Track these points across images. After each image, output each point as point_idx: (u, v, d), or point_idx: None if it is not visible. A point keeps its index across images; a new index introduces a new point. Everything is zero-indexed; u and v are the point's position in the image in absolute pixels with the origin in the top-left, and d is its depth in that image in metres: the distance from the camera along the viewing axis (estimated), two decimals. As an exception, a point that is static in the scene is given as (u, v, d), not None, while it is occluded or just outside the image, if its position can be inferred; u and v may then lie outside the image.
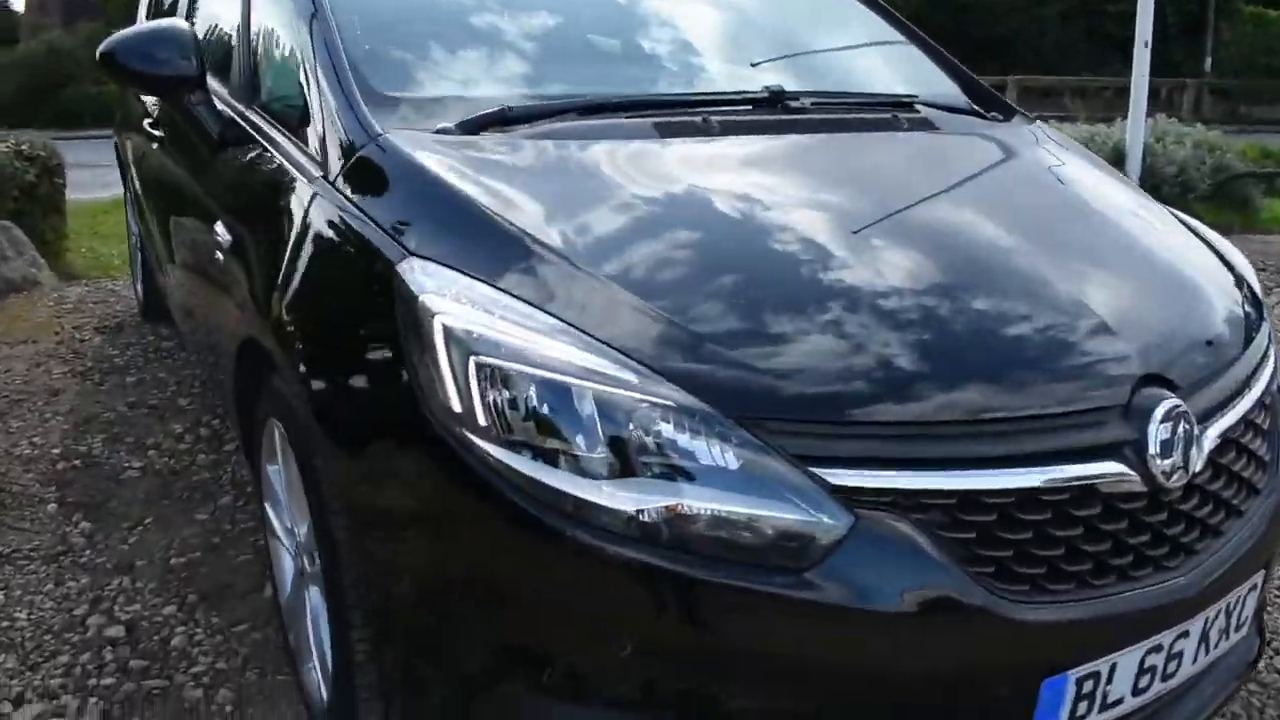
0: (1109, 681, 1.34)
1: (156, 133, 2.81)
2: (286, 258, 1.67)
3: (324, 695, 1.73)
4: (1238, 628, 1.52)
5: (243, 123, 2.09)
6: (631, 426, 1.22)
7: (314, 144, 1.73)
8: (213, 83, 2.20)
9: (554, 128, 1.69)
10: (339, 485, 1.48)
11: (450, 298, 1.31)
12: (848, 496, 1.22)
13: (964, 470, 1.27)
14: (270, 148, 1.92)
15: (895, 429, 1.27)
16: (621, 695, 1.26)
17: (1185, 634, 1.40)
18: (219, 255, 2.01)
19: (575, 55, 2.08)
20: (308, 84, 1.79)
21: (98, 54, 2.14)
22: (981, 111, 2.30)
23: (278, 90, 2.04)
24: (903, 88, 2.27)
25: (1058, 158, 2.10)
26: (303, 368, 1.55)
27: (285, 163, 1.82)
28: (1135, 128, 6.88)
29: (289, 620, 1.98)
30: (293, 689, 1.99)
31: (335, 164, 1.64)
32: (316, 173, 1.68)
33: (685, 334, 1.29)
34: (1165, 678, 1.40)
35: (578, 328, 1.27)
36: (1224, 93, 20.43)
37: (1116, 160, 6.45)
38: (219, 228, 2.00)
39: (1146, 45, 8.40)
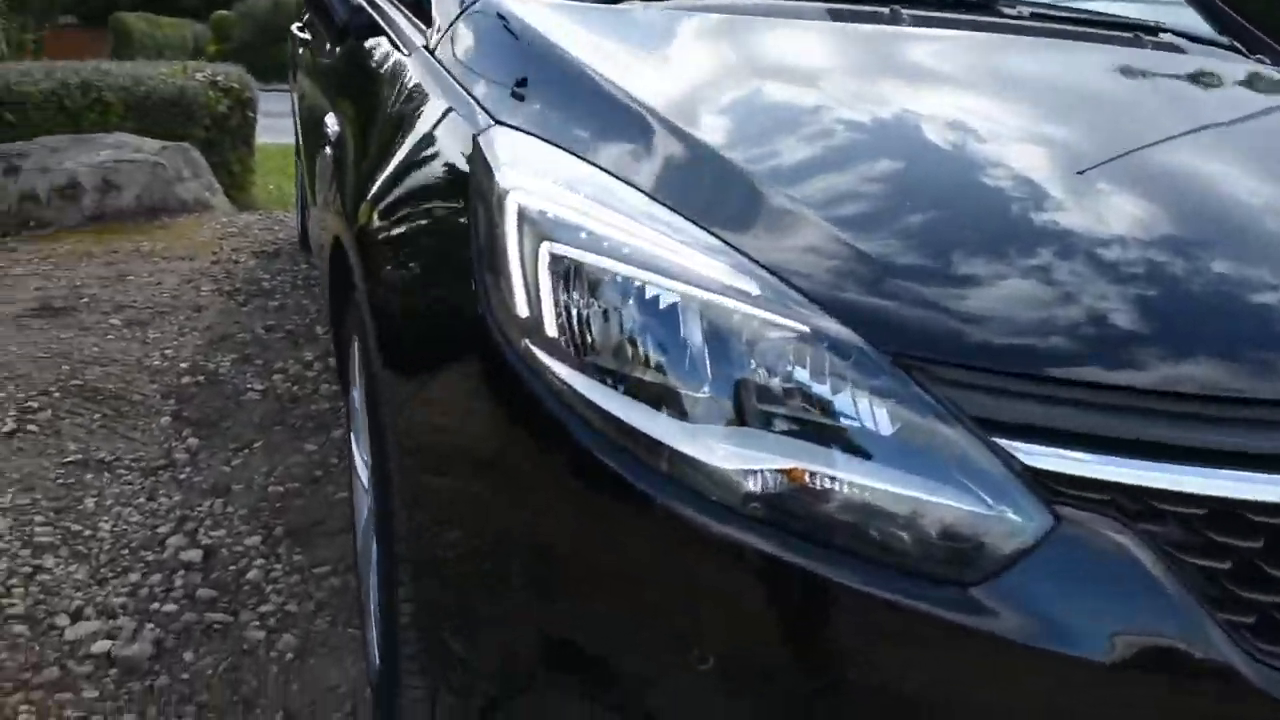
0: None
1: (305, 59, 2.66)
2: (372, 145, 1.42)
3: (376, 659, 1.48)
4: None
5: (369, 8, 1.86)
6: (752, 358, 0.88)
7: (423, 12, 1.47)
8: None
9: (705, 2, 1.36)
10: (394, 414, 1.21)
11: (531, 172, 1.00)
12: (1047, 485, 0.84)
13: (1222, 469, 0.86)
14: (389, 29, 1.67)
15: (1124, 396, 0.87)
16: None
17: None
18: (327, 151, 1.79)
19: None
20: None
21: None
22: (1243, 49, 1.83)
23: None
24: (1141, 13, 1.83)
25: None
26: (369, 269, 1.29)
27: (396, 39, 1.56)
28: None
29: (363, 567, 1.75)
30: (351, 651, 1.77)
31: (437, 32, 1.37)
32: (419, 42, 1.42)
33: (835, 244, 0.93)
34: None
35: (692, 219, 0.94)
36: None
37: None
38: (328, 120, 1.78)
39: None
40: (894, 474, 0.85)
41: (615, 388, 0.90)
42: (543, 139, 1.04)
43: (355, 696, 1.65)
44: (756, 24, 1.32)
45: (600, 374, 0.90)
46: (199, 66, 6.55)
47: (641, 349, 0.90)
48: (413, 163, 1.25)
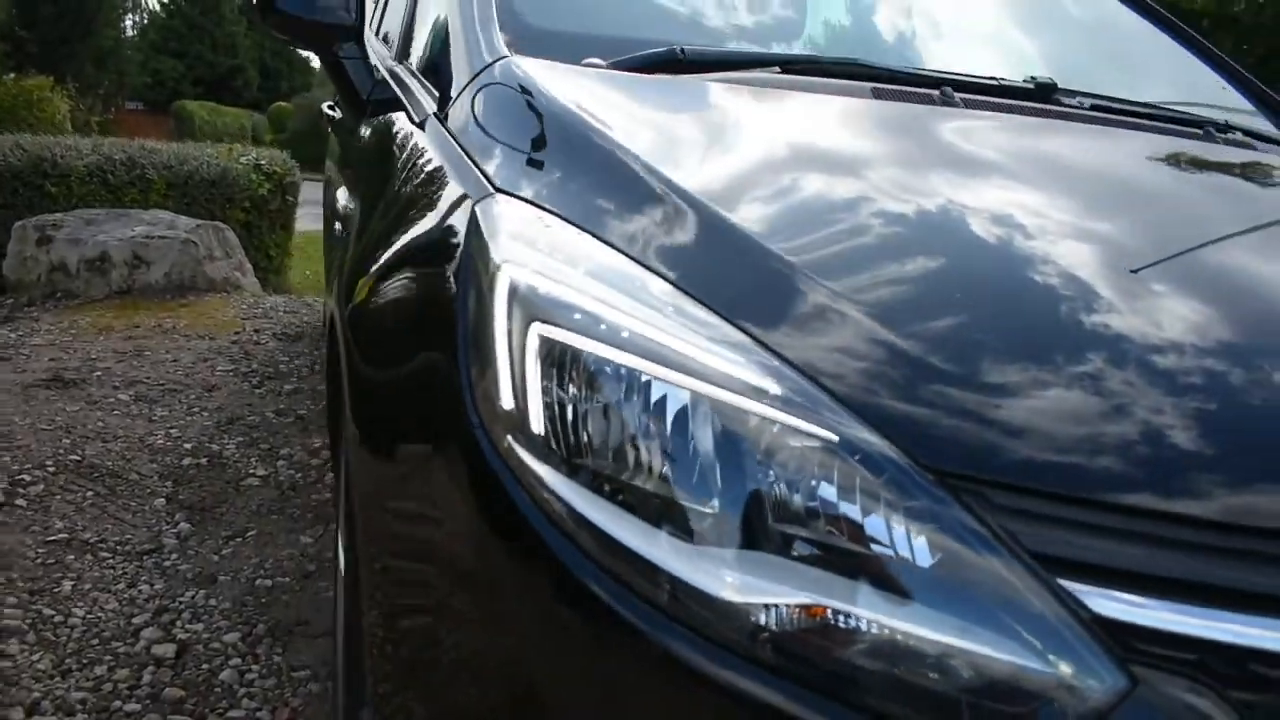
0: None
1: (330, 138, 2.62)
2: (372, 219, 1.34)
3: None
4: None
5: (393, 83, 1.81)
6: (770, 470, 0.75)
7: (433, 77, 1.40)
8: (375, 43, 1.94)
9: (740, 76, 1.27)
10: (366, 508, 1.09)
11: (528, 243, 0.90)
12: (1121, 639, 0.69)
13: None
14: (405, 100, 1.61)
15: (1218, 534, 0.73)
16: None
17: None
18: (336, 227, 1.71)
19: (784, 16, 1.66)
20: (443, 14, 1.47)
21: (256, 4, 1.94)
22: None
23: (426, 42, 1.74)
24: (1201, 110, 1.72)
25: None
26: (352, 347, 1.18)
27: (410, 110, 1.49)
28: None
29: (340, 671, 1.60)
30: None
31: (449, 98, 1.29)
32: (430, 109, 1.34)
33: (873, 344, 0.81)
34: None
35: (708, 305, 0.82)
36: None
37: None
38: (339, 196, 1.70)
39: None
40: (934, 616, 0.71)
41: (609, 498, 0.77)
42: (548, 210, 0.93)
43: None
44: (794, 98, 1.23)
45: (592, 481, 0.77)
46: (244, 151, 6.66)
47: (641, 453, 0.77)
48: (407, 235, 1.15)
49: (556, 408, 0.79)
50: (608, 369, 0.78)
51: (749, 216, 0.95)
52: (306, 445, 2.99)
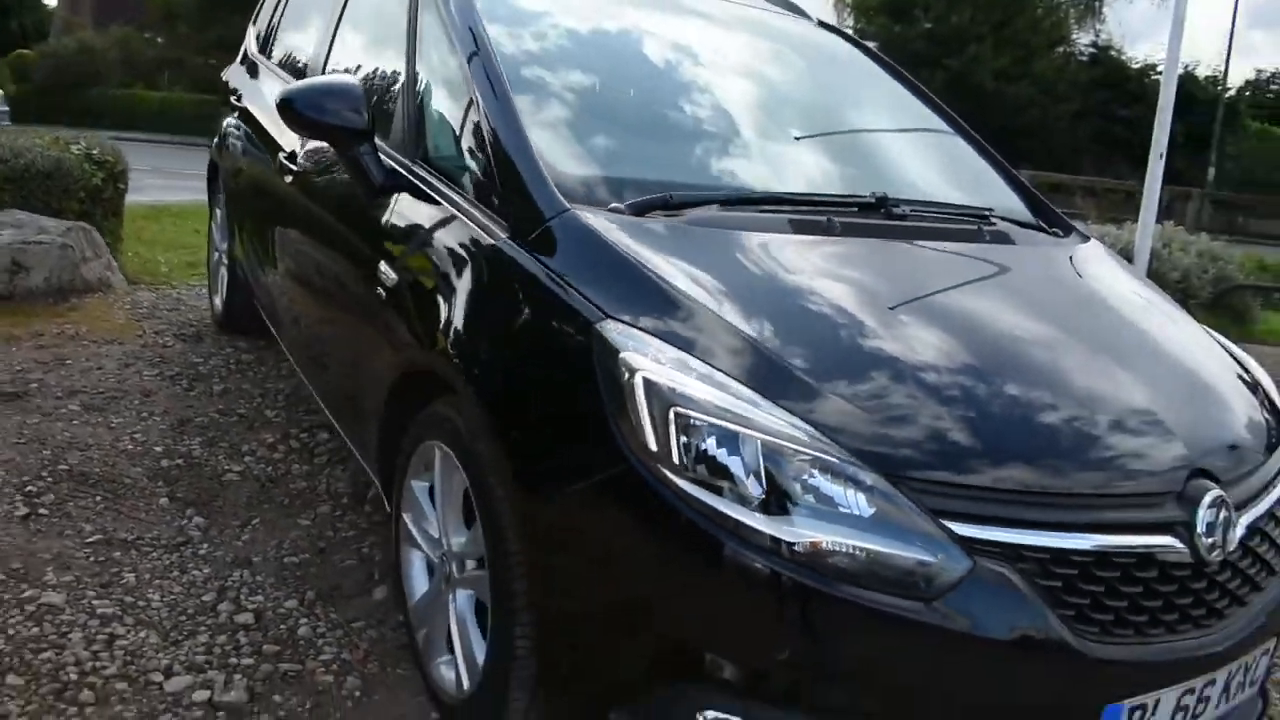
0: (1153, 714, 1.63)
1: (290, 166, 3.08)
2: (469, 302, 1.95)
3: (465, 685, 1.97)
4: (1251, 684, 1.81)
5: (406, 174, 2.36)
6: (790, 472, 1.51)
7: (496, 208, 2.01)
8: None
9: (706, 215, 1.99)
10: (518, 504, 1.75)
11: (650, 357, 1.59)
12: (967, 545, 1.50)
13: (1055, 532, 1.56)
14: (444, 202, 2.19)
15: (1005, 495, 1.56)
16: (769, 694, 1.53)
17: (1213, 682, 1.69)
18: (379, 292, 2.28)
19: (719, 147, 2.39)
20: (489, 156, 2.07)
21: (277, 100, 2.44)
22: (1045, 226, 2.62)
23: (446, 150, 2.33)
24: (979, 199, 2.58)
25: (1116, 275, 2.42)
26: (487, 400, 1.82)
27: (463, 219, 2.09)
28: (1145, 232, 7.26)
29: (419, 620, 2.21)
30: (410, 681, 2.23)
31: (521, 229, 1.92)
32: (502, 234, 1.96)
33: (843, 403, 1.58)
34: (1194, 718, 1.69)
35: (756, 389, 1.56)
36: (1223, 204, 21.23)
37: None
38: (384, 269, 2.27)
39: (1161, 156, 8.86)
40: (873, 538, 1.49)
41: (711, 490, 1.50)
42: (648, 332, 1.63)
43: (425, 717, 2.12)
44: (747, 237, 1.95)
45: (705, 484, 1.50)
46: (72, 139, 6.61)
47: (726, 467, 1.51)
48: (525, 330, 1.80)
49: (684, 448, 1.51)
50: (709, 427, 1.51)
51: (765, 332, 1.69)
52: (261, 441, 3.46)
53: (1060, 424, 1.71)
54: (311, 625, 2.43)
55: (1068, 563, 1.55)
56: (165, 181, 11.14)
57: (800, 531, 1.48)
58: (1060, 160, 21.08)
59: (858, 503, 1.51)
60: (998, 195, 2.70)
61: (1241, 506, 1.74)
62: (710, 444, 1.52)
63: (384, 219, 2.35)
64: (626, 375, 1.59)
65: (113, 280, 5.05)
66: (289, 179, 3.06)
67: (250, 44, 4.38)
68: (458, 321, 1.97)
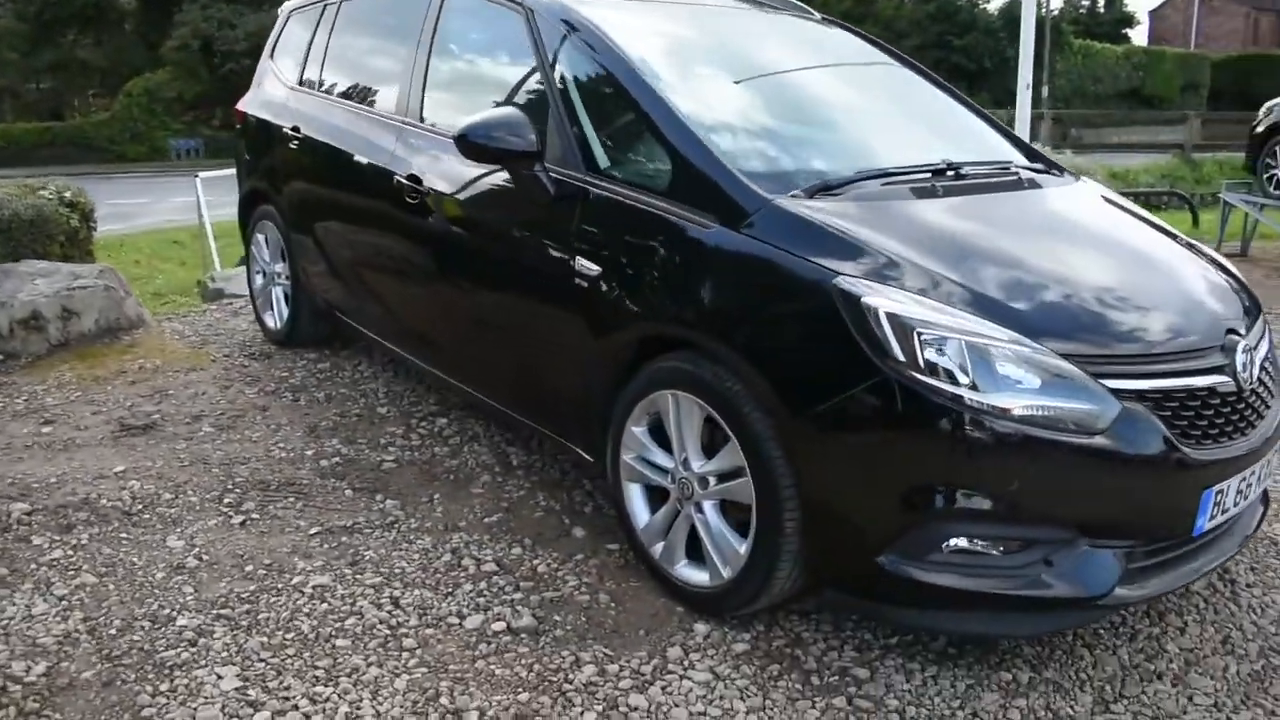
0: (1226, 495, 2.41)
1: (419, 189, 3.46)
2: (699, 276, 2.51)
3: (725, 573, 2.56)
4: (1261, 482, 2.59)
5: (581, 184, 2.86)
6: (998, 364, 2.16)
7: (699, 205, 2.56)
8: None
9: (861, 191, 2.61)
10: (781, 420, 2.34)
11: (884, 296, 2.21)
12: (1117, 394, 2.21)
13: (1159, 379, 2.30)
14: (639, 205, 2.69)
15: (1130, 359, 2.30)
16: (993, 516, 2.22)
17: (1253, 472, 2.48)
18: (578, 283, 2.80)
19: (827, 136, 3.01)
20: (678, 163, 2.64)
21: (455, 134, 2.92)
22: (1045, 169, 3.33)
23: (624, 161, 2.85)
24: (998, 155, 3.28)
25: (1121, 205, 3.17)
26: (741, 348, 2.40)
27: (666, 216, 2.62)
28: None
29: (650, 538, 2.78)
30: (644, 589, 2.80)
31: (731, 219, 2.49)
32: (712, 224, 2.53)
33: (1019, 309, 2.27)
34: (1241, 498, 2.48)
35: (955, 306, 2.23)
36: (1059, 120, 23.01)
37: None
38: (581, 263, 2.80)
39: (1028, 87, 9.98)
40: (1061, 398, 2.18)
41: (948, 381, 2.16)
42: (871, 279, 2.25)
43: (671, 612, 2.70)
44: (903, 204, 2.60)
45: (940, 376, 2.15)
46: (39, 184, 6.67)
47: (952, 364, 2.15)
48: (765, 292, 2.39)
49: (924, 356, 2.15)
50: (941, 337, 2.16)
51: (944, 268, 2.33)
52: (390, 433, 3.90)
53: (1151, 309, 2.45)
54: (545, 563, 2.96)
55: (1170, 398, 2.29)
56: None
57: (1010, 398, 2.16)
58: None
59: (1046, 375, 2.19)
60: (1005, 149, 3.40)
61: (1252, 350, 2.51)
62: (943, 348, 2.16)
63: (570, 225, 2.86)
64: (870, 312, 2.20)
65: (144, 314, 5.28)
66: (413, 200, 3.50)
67: (284, 76, 4.70)
68: (693, 291, 2.53)
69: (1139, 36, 47.48)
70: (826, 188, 2.58)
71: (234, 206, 5.24)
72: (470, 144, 2.90)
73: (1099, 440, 2.19)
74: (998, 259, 2.46)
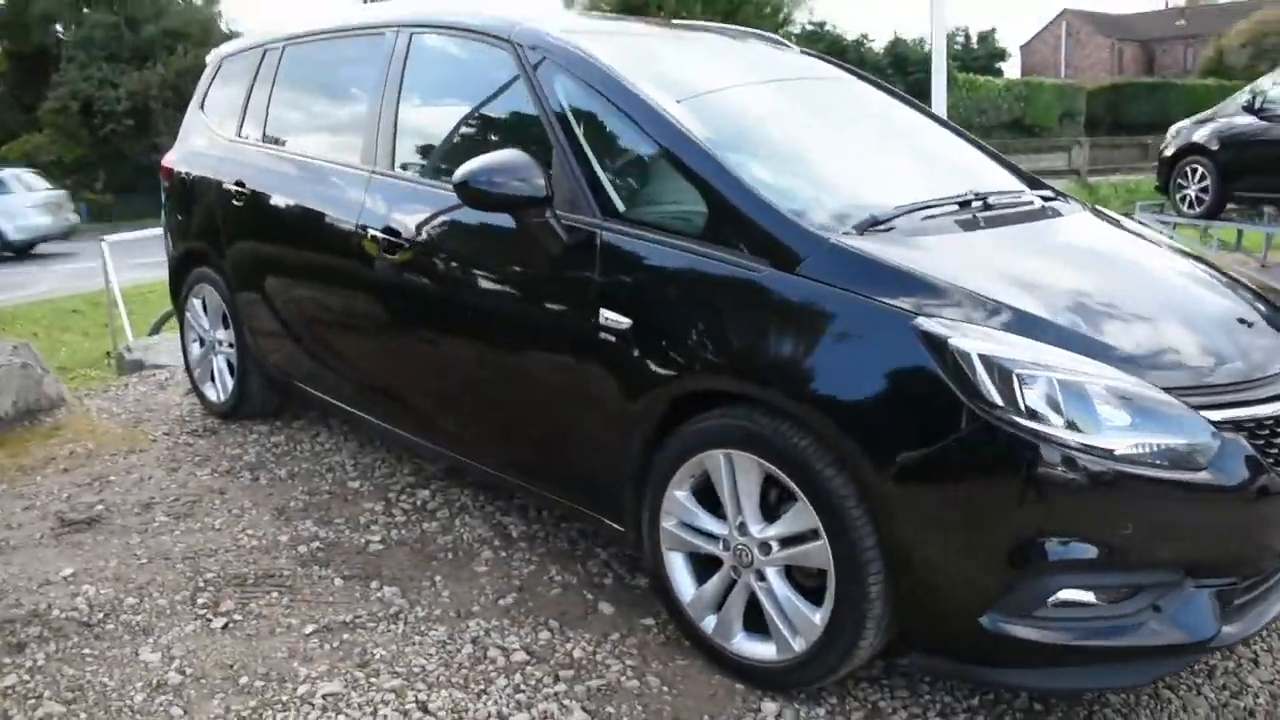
0: None
1: (398, 243, 3.16)
2: (756, 325, 2.30)
3: (797, 647, 2.32)
4: None
5: (599, 231, 2.62)
6: (1094, 403, 2.01)
7: (746, 248, 2.35)
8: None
9: (909, 225, 2.44)
10: (864, 475, 2.13)
11: (971, 337, 2.04)
12: (1214, 425, 2.08)
13: (1246, 408, 2.17)
14: (675, 250, 2.47)
15: (1220, 389, 2.17)
16: (1101, 564, 2.05)
17: None
18: (604, 337, 2.56)
19: (858, 170, 2.84)
20: (717, 206, 2.44)
21: (456, 181, 2.65)
22: (1052, 197, 3.24)
23: (650, 204, 2.64)
24: (1008, 184, 3.16)
25: (1134, 230, 3.09)
26: (812, 401, 2.19)
27: (707, 261, 2.40)
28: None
29: (699, 612, 2.53)
30: (694, 667, 2.55)
31: (784, 262, 2.29)
32: (763, 268, 2.32)
33: (1108, 343, 2.12)
34: None
35: (1045, 342, 2.08)
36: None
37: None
38: (606, 315, 2.55)
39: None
40: (1148, 435, 2.03)
41: (1048, 424, 1.99)
42: (952, 319, 2.07)
43: (731, 691, 2.45)
44: (951, 236, 2.44)
45: (1040, 419, 1.99)
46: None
47: (1053, 406, 1.99)
48: (834, 338, 2.18)
49: (1022, 397, 1.98)
50: (1038, 376, 1.99)
51: (1019, 302, 2.17)
52: (368, 510, 3.56)
53: (1225, 336, 2.34)
54: (579, 646, 2.68)
55: (1262, 426, 2.16)
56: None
57: (1113, 437, 2.00)
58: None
59: (1147, 409, 2.05)
60: (1010, 178, 3.29)
61: None
62: (1042, 389, 2.00)
63: (591, 275, 2.61)
64: (963, 356, 2.02)
65: (65, 393, 4.81)
66: (390, 255, 3.20)
67: (218, 128, 4.34)
68: (746, 342, 2.32)
69: (1010, 70, 49.78)
70: (875, 223, 2.41)
71: (137, 270, 4.84)
72: (472, 191, 2.64)
73: (1203, 475, 2.05)
74: (1068, 291, 2.32)
